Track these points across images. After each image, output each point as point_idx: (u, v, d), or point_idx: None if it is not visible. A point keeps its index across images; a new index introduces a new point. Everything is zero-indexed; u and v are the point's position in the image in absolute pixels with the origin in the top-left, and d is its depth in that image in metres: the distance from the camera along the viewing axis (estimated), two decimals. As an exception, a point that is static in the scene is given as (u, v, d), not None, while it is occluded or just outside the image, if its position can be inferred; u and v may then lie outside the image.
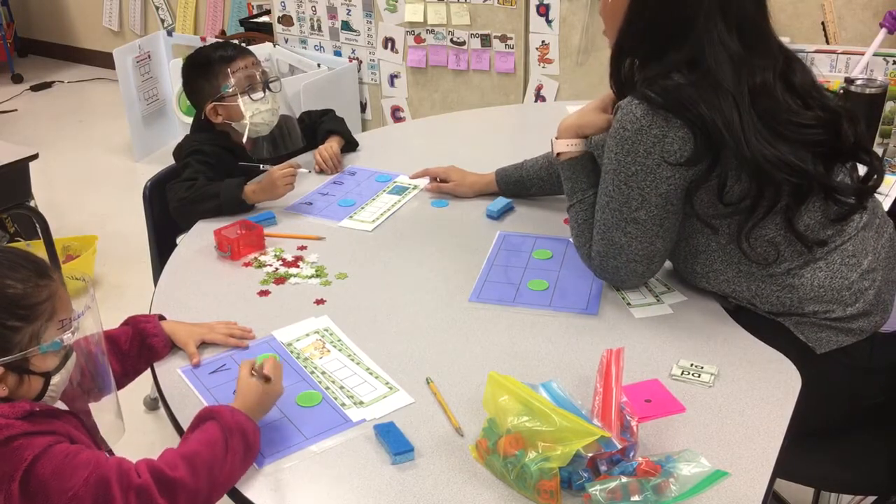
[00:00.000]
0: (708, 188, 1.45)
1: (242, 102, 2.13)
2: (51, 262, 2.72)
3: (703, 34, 1.42)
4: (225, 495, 1.20)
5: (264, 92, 2.15)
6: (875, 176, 1.51)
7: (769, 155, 1.39)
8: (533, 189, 2.00)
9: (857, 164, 1.54)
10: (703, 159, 1.42)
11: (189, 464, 1.14)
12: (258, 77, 2.15)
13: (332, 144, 2.28)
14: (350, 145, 2.36)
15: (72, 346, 1.22)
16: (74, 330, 1.20)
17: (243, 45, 2.40)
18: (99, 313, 1.25)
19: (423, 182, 2.14)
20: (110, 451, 1.33)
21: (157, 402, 2.59)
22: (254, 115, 2.13)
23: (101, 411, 1.30)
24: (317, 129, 2.36)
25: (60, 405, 1.26)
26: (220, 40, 2.49)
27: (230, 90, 2.13)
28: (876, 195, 1.56)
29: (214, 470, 1.16)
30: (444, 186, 2.08)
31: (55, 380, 1.20)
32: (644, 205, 1.48)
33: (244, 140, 2.15)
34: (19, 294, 1.16)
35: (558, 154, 1.67)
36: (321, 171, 2.23)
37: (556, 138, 1.67)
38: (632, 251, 1.53)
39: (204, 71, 2.16)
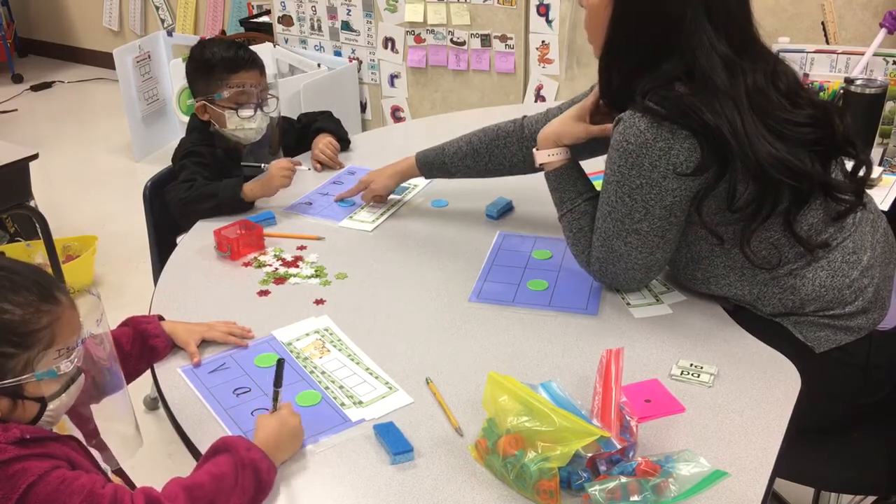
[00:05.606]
0: (715, 196, 1.44)
1: (228, 114, 2.14)
2: (51, 263, 2.72)
3: (692, 38, 1.40)
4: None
5: (255, 112, 2.15)
6: (864, 168, 1.51)
7: (770, 155, 1.38)
8: (458, 175, 1.96)
9: (845, 159, 1.54)
10: (711, 167, 1.41)
11: (189, 496, 1.11)
12: (254, 97, 2.15)
13: (325, 139, 2.28)
14: (342, 144, 2.36)
15: (78, 369, 1.18)
16: (74, 359, 1.15)
17: (248, 46, 2.37)
18: (108, 325, 1.21)
19: (424, 182, 2.14)
20: (121, 469, 1.31)
21: (156, 402, 2.59)
22: (236, 129, 2.15)
23: (116, 424, 1.28)
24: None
25: (65, 420, 1.24)
26: (236, 39, 2.47)
27: (221, 99, 2.13)
28: (867, 191, 1.56)
29: None
30: (365, 194, 2.03)
31: (52, 405, 1.15)
32: (647, 217, 1.47)
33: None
34: (16, 321, 1.10)
35: (541, 165, 1.66)
36: (324, 167, 2.24)
37: (537, 149, 1.67)
38: (631, 260, 1.53)
39: (204, 68, 2.16)
